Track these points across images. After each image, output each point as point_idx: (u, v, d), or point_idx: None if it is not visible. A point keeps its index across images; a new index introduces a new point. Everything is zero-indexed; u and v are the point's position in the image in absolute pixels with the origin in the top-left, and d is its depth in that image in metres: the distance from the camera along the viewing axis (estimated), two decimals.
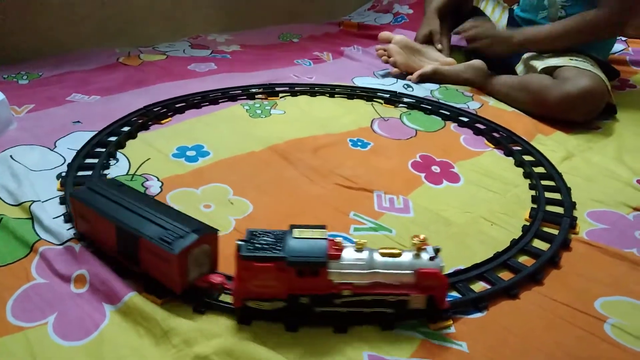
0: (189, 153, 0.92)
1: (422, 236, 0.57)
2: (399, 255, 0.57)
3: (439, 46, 1.41)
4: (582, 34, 1.19)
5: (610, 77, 1.25)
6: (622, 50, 1.55)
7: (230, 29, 1.73)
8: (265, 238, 0.57)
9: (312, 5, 1.99)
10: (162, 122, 1.04)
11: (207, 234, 0.60)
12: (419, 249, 0.57)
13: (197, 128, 1.02)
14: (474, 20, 1.32)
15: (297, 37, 1.72)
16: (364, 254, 0.57)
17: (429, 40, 1.43)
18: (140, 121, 1.02)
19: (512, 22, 1.42)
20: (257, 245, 0.56)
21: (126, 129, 0.99)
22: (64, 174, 0.83)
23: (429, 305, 0.58)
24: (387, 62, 1.38)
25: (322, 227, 0.59)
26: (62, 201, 0.77)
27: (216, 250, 0.62)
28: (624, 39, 1.58)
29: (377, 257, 0.57)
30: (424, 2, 1.54)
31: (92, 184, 0.68)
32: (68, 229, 0.70)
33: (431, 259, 0.57)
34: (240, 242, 0.56)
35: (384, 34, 1.40)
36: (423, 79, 1.33)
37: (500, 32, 1.30)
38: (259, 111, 1.11)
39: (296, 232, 0.57)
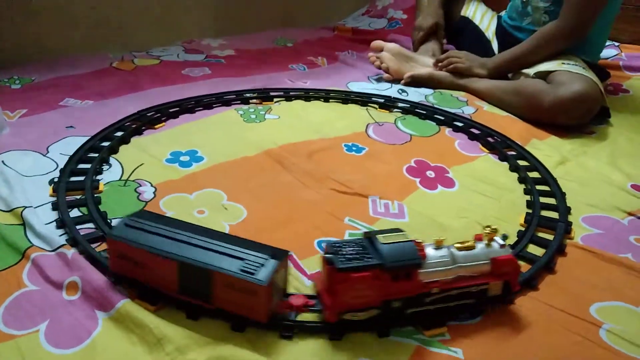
0: (182, 158, 0.92)
1: (493, 226, 0.61)
2: (473, 247, 0.60)
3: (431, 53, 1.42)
4: (547, 47, 1.23)
5: (602, 78, 1.26)
6: (615, 55, 1.55)
7: (224, 33, 1.73)
8: (349, 249, 0.57)
9: (307, 10, 1.99)
10: (156, 127, 1.04)
11: (283, 258, 0.58)
12: (490, 239, 0.61)
13: (191, 133, 1.02)
14: (448, 52, 1.37)
15: (291, 41, 1.72)
16: (444, 251, 0.59)
17: (433, 32, 1.44)
18: (133, 126, 1.01)
19: (500, 28, 1.43)
20: (347, 256, 0.55)
21: (119, 134, 0.98)
22: (56, 180, 0.82)
23: (504, 290, 0.62)
24: (379, 68, 1.38)
25: (398, 230, 0.60)
26: (55, 207, 0.76)
27: (287, 271, 0.61)
28: (617, 44, 1.59)
29: (456, 252, 0.60)
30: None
31: (128, 220, 0.61)
32: (60, 235, 0.69)
33: (502, 246, 0.61)
34: (329, 256, 0.55)
35: (376, 43, 1.40)
36: (418, 83, 1.34)
37: (477, 58, 1.34)
38: (253, 116, 1.11)
39: (381, 238, 0.58)
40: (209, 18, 1.76)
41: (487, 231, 0.60)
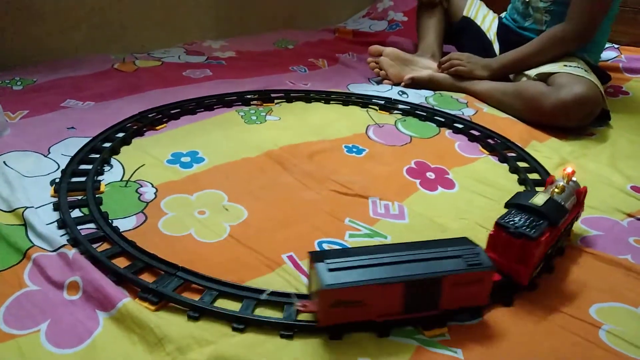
0: (183, 159, 0.92)
1: (569, 169, 0.74)
2: (564, 189, 0.71)
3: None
4: (553, 49, 1.24)
5: (603, 81, 1.26)
6: (615, 57, 1.56)
7: (225, 35, 1.74)
8: (516, 220, 0.65)
9: (308, 12, 2.00)
10: (157, 128, 1.04)
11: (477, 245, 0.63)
12: (569, 179, 0.74)
13: (192, 134, 1.02)
14: (450, 54, 1.36)
15: (292, 43, 1.72)
16: (559, 197, 0.70)
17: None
18: (134, 127, 1.02)
19: (502, 28, 1.44)
20: (523, 226, 0.64)
21: (121, 135, 0.99)
22: (57, 180, 0.82)
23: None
24: (379, 75, 1.39)
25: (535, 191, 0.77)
26: (56, 207, 0.76)
27: None
28: (616, 46, 1.60)
29: (560, 195, 0.70)
30: (416, 25, 1.55)
31: (327, 265, 0.56)
32: (61, 235, 0.69)
33: (574, 182, 0.75)
34: (515, 231, 0.63)
35: (374, 48, 1.40)
36: (418, 85, 1.34)
37: (479, 59, 1.33)
38: (254, 117, 1.11)
39: (536, 200, 0.67)
40: (210, 20, 1.76)
41: (566, 172, 0.74)
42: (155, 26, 1.63)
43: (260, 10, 1.87)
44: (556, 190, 0.71)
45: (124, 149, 0.95)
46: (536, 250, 0.63)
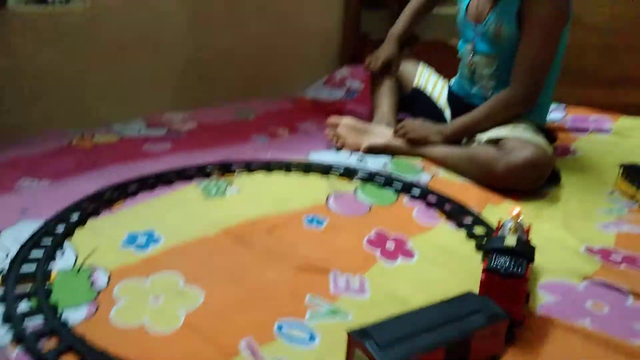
0: (139, 240, 0.90)
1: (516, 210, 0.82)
2: (517, 229, 0.80)
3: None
4: (501, 113, 1.29)
5: (550, 142, 1.32)
6: (562, 117, 1.64)
7: (187, 106, 1.75)
8: (501, 261, 0.73)
9: (269, 82, 2.05)
10: (114, 207, 1.03)
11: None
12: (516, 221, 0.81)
13: (149, 212, 1.01)
14: (404, 122, 1.41)
15: (253, 113, 1.75)
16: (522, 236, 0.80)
17: (389, 65, 1.52)
18: (90, 206, 1.00)
19: (451, 95, 1.50)
20: (510, 267, 0.72)
21: (76, 215, 0.97)
22: (5, 270, 0.79)
23: None
24: (337, 145, 1.42)
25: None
26: (2, 299, 0.73)
27: None
28: (562, 106, 1.68)
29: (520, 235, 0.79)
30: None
31: (377, 344, 0.60)
32: (6, 331, 0.66)
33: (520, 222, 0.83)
34: (508, 271, 0.71)
35: (332, 119, 1.45)
36: (375, 152, 1.37)
37: (432, 125, 1.39)
38: (213, 191, 1.11)
39: (508, 241, 0.76)
40: (172, 91, 1.78)
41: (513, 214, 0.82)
42: (115, 100, 1.64)
43: (222, 81, 1.90)
44: (512, 231, 0.78)
45: (78, 231, 0.93)
46: (525, 285, 0.72)
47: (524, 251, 0.75)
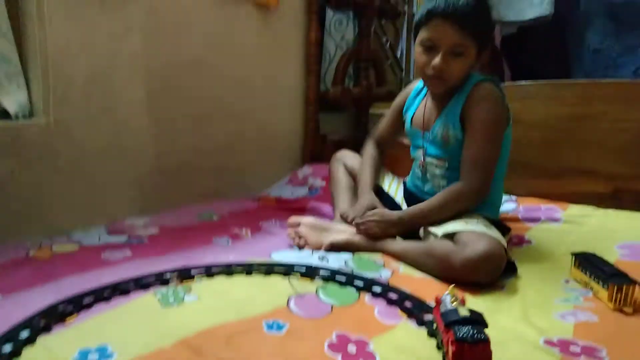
0: (91, 357, 0.87)
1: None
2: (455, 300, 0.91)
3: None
4: (454, 204, 1.36)
5: (503, 233, 1.37)
6: (514, 208, 1.71)
7: (149, 210, 1.76)
8: (464, 330, 0.81)
9: (232, 182, 2.09)
10: (67, 321, 0.99)
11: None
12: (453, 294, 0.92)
13: (104, 325, 0.98)
14: (364, 215, 1.43)
15: (216, 215, 1.77)
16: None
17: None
18: (42, 322, 0.97)
19: (406, 192, 1.57)
20: (470, 334, 0.81)
21: (26, 333, 0.93)
22: None
23: None
24: (298, 244, 1.44)
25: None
26: None
27: None
28: (514, 198, 1.76)
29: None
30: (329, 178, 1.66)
31: None
32: None
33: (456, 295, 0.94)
34: (472, 338, 0.80)
35: (292, 219, 1.48)
36: (337, 249, 1.39)
37: (390, 217, 1.42)
38: (171, 299, 1.09)
39: (462, 311, 0.87)
40: (134, 196, 1.80)
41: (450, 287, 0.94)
42: (76, 206, 1.64)
43: (185, 185, 1.93)
44: (455, 303, 0.88)
45: (26, 350, 0.89)
46: (490, 348, 0.81)
47: (479, 318, 0.85)
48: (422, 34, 1.35)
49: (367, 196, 1.50)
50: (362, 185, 1.55)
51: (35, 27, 1.52)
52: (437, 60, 1.33)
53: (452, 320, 0.85)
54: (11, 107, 1.51)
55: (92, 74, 1.64)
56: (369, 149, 1.64)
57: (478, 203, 1.36)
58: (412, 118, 1.50)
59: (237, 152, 2.12)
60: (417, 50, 1.39)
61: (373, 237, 1.40)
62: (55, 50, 1.55)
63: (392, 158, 1.70)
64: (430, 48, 1.35)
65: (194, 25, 1.90)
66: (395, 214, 1.43)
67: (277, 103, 2.28)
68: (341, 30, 2.57)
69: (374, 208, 1.45)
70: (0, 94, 1.49)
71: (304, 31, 2.35)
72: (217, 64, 2.00)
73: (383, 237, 1.39)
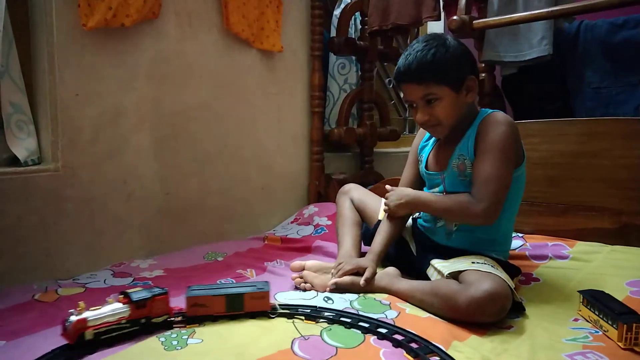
0: None
1: None
2: None
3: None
4: (458, 214, 1.37)
5: (513, 274, 1.35)
6: (521, 246, 1.70)
7: (154, 252, 1.77)
8: None
9: (238, 223, 2.11)
10: None
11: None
12: None
13: None
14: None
15: (222, 255, 1.77)
16: None
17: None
18: None
19: (416, 229, 1.56)
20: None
21: None
22: None
23: None
24: (304, 289, 1.43)
25: None
26: None
27: None
28: (521, 235, 1.75)
29: None
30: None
31: None
32: None
33: None
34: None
35: (296, 264, 1.49)
36: (342, 290, 1.38)
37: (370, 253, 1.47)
38: (175, 342, 1.08)
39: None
40: (139, 239, 1.81)
41: None
42: (82, 250, 1.65)
43: (190, 226, 1.95)
44: None
45: None
46: None
47: None
48: (402, 94, 1.42)
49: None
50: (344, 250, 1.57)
51: (46, 79, 1.58)
52: (418, 115, 1.40)
53: None
54: (21, 154, 1.55)
55: (100, 121, 1.68)
56: (346, 206, 1.68)
57: (483, 224, 1.34)
58: (427, 160, 1.51)
59: (243, 193, 2.14)
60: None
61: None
62: (64, 99, 1.60)
63: None
64: (410, 105, 1.43)
65: (200, 71, 1.96)
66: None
67: (282, 144, 2.31)
68: (344, 73, 2.63)
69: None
70: (11, 142, 1.53)
71: (308, 75, 2.41)
72: (223, 108, 2.04)
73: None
